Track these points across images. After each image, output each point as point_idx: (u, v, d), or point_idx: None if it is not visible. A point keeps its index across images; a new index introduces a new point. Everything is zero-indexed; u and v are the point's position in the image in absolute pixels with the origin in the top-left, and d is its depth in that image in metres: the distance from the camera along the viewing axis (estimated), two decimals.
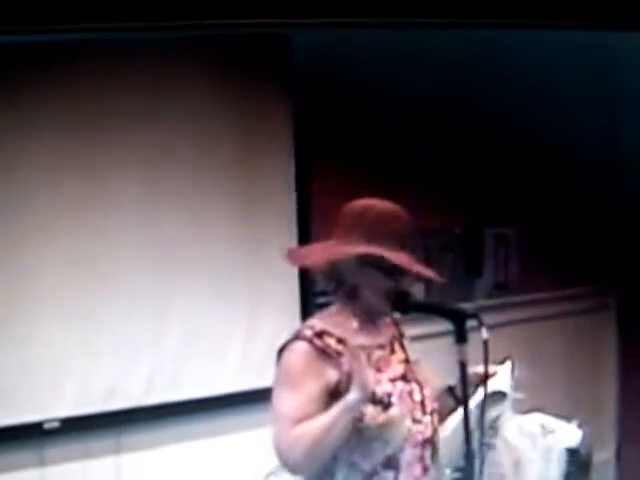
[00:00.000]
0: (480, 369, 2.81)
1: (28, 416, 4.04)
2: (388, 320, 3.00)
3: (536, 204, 5.73)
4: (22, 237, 4.03)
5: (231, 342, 4.52)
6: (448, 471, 3.04)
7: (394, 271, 2.84)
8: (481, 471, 2.82)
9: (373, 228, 2.84)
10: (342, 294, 2.92)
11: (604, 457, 6.01)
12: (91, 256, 4.17)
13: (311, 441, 2.70)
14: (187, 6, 3.26)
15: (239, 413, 4.53)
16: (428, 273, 2.86)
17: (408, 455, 2.80)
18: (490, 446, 2.96)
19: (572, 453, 4.80)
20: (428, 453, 2.86)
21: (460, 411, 2.81)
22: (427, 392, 2.92)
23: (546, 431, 4.91)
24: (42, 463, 4.12)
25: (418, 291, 5.10)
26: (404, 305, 2.86)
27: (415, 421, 2.83)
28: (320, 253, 2.93)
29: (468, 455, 2.70)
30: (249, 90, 4.58)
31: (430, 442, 2.87)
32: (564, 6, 3.62)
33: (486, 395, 2.81)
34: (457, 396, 2.93)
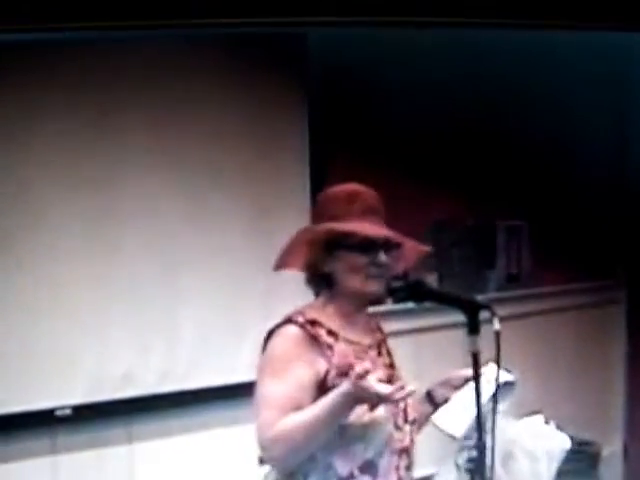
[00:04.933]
0: (465, 372, 2.78)
1: (40, 403, 4.05)
2: (373, 324, 2.93)
3: (548, 197, 5.74)
4: (36, 226, 4.04)
5: (245, 331, 4.46)
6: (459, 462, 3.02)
7: (367, 246, 2.75)
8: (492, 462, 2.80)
9: (327, 209, 2.80)
10: (321, 285, 2.84)
11: (612, 450, 6.03)
12: (105, 244, 4.18)
13: (295, 440, 2.61)
14: (201, 4, 3.27)
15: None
16: (398, 238, 2.77)
17: (386, 462, 2.74)
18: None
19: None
20: (404, 463, 2.80)
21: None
22: (409, 400, 2.81)
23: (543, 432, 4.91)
24: (54, 451, 4.13)
25: (430, 282, 5.13)
26: (418, 294, 2.80)
27: (396, 428, 2.78)
28: (292, 254, 2.86)
29: (480, 446, 2.69)
30: (264, 89, 4.59)
31: (406, 452, 2.81)
32: (575, 6, 3.61)
33: (499, 387, 2.80)
34: (436, 402, 2.90)
